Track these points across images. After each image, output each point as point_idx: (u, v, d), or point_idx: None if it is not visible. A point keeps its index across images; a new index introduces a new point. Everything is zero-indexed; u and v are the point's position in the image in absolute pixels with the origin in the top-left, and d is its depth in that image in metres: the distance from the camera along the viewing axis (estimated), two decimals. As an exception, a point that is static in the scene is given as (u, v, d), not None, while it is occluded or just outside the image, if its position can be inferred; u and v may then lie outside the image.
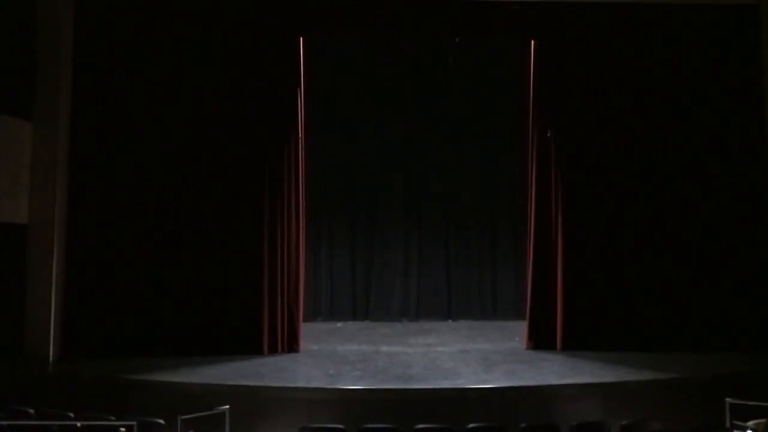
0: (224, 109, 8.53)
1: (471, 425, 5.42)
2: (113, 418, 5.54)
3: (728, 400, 6.03)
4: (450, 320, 11.09)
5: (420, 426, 5.40)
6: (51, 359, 7.97)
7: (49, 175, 8.20)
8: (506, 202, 11.32)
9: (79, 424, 5.47)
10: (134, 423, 5.33)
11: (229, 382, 7.02)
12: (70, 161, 8.39)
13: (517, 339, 9.49)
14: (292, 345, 8.46)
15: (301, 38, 8.89)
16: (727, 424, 5.85)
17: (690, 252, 8.74)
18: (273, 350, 8.29)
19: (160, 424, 5.48)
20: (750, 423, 5.83)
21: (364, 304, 11.20)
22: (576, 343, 8.42)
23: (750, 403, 6.09)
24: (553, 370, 7.50)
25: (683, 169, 8.86)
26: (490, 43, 10.58)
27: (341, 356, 8.30)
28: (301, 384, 6.99)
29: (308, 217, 10.99)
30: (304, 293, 9.21)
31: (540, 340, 8.69)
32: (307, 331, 10.12)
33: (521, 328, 10.30)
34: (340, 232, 11.30)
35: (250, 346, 8.19)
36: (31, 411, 5.76)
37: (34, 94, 8.23)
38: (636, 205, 8.80)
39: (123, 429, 5.44)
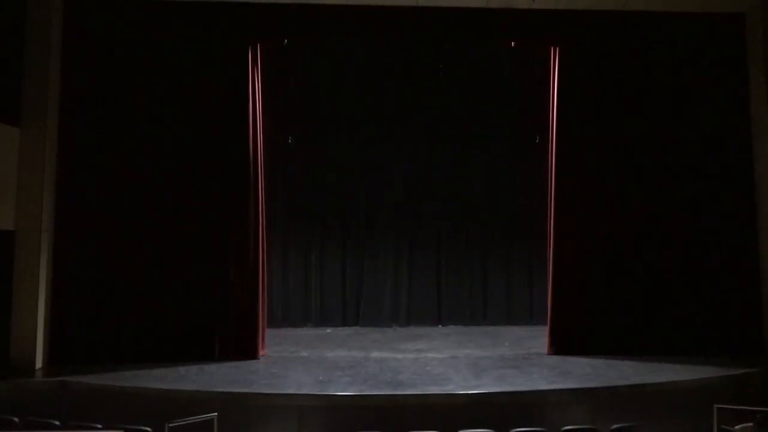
0: (184, 119, 8.55)
1: (461, 431, 5.40)
2: (100, 426, 5.47)
3: (716, 405, 6.05)
4: (440, 326, 11.08)
5: (410, 432, 5.39)
6: (37, 367, 7.88)
7: (36, 181, 8.14)
8: (496, 208, 11.34)
9: (64, 433, 5.41)
10: (121, 431, 5.27)
11: (218, 389, 6.97)
12: (57, 167, 8.34)
13: (507, 344, 9.50)
14: (248, 351, 8.37)
15: (259, 44, 8.84)
16: (715, 429, 5.86)
17: (686, 257, 8.77)
18: (225, 356, 8.23)
19: (147, 431, 5.42)
20: (737, 427, 5.85)
21: (354, 309, 11.17)
22: (599, 349, 8.40)
23: (737, 407, 6.12)
24: (543, 376, 7.50)
25: (678, 174, 8.90)
26: (486, 48, 10.58)
27: (331, 362, 8.26)
28: (291, 390, 6.94)
29: (294, 223, 11.07)
30: (267, 299, 9.11)
31: (562, 345, 8.63)
32: (296, 337, 10.13)
33: (511, 333, 10.39)
34: (330, 237, 11.26)
35: (201, 352, 8.19)
36: (16, 420, 5.68)
37: (22, 100, 8.17)
38: (636, 208, 8.84)
39: (110, 437, 5.39)
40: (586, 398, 6.87)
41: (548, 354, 8.62)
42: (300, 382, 7.23)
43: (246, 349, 8.37)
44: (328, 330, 10.77)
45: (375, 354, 8.77)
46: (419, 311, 11.19)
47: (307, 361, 8.41)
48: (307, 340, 9.88)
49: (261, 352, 8.53)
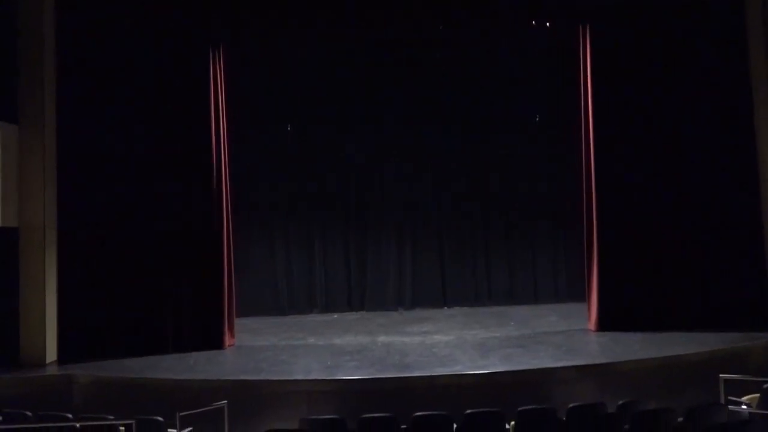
0: (157, 113, 8.61)
1: (468, 411, 5.44)
2: (112, 417, 5.53)
3: (722, 375, 6.09)
4: (445, 308, 11.13)
5: (418, 413, 5.42)
6: (48, 361, 7.94)
7: (37, 178, 8.14)
8: (497, 188, 11.35)
9: (78, 425, 5.45)
10: (132, 422, 5.33)
11: (227, 377, 7.03)
12: (58, 163, 8.34)
13: (512, 323, 9.54)
14: (212, 340, 8.37)
15: (221, 45, 8.84)
16: (722, 400, 5.90)
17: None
18: (179, 348, 8.24)
19: (158, 421, 5.47)
20: (744, 398, 5.89)
21: (359, 294, 11.22)
22: (642, 325, 8.38)
23: (744, 378, 6.16)
24: (549, 354, 7.54)
25: (703, 153, 8.80)
26: (480, 30, 10.45)
27: (338, 347, 8.32)
28: (299, 377, 7.00)
29: (296, 211, 11.06)
30: (236, 288, 9.03)
31: (608, 321, 8.60)
32: (303, 324, 10.20)
33: (516, 312, 10.44)
34: (333, 223, 11.29)
35: (161, 343, 8.24)
36: (29, 414, 5.74)
37: (20, 98, 8.15)
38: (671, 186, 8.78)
39: (122, 428, 5.44)
40: (591, 375, 6.90)
41: (594, 331, 8.62)
42: (308, 368, 7.28)
43: (209, 338, 8.35)
44: (335, 316, 10.83)
45: (382, 338, 8.82)
46: (424, 294, 11.24)
47: (314, 347, 8.46)
48: (313, 326, 9.93)
49: (228, 342, 8.49)
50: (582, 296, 11.51)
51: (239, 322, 10.54)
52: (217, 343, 8.39)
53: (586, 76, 8.87)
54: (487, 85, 11.11)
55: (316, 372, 7.12)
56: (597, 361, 7.14)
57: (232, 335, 8.70)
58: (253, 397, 6.71)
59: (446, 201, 11.38)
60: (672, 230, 8.76)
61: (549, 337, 8.46)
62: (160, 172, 8.58)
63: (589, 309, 8.93)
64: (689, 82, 8.82)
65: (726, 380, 6.06)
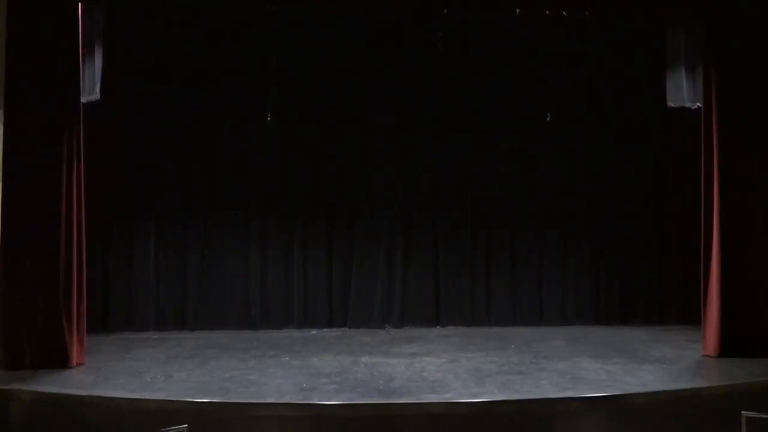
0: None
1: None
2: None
3: (744, 413, 6.11)
4: (438, 326, 11.13)
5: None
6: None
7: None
8: (501, 193, 11.38)
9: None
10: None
11: (189, 398, 6.96)
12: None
13: (513, 347, 9.55)
14: (53, 359, 8.05)
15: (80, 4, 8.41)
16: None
17: None
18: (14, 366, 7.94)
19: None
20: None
21: (341, 308, 11.19)
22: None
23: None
24: (553, 382, 7.55)
25: None
26: (489, 16, 10.46)
27: (316, 368, 8.27)
28: (270, 400, 6.95)
29: (273, 213, 11.05)
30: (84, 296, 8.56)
31: (732, 347, 8.50)
32: (277, 339, 10.16)
33: (518, 334, 10.46)
34: (314, 227, 11.26)
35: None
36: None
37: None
38: None
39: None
40: (599, 407, 6.91)
41: (716, 356, 8.55)
42: (280, 390, 7.23)
43: (51, 356, 8.06)
44: (313, 332, 10.80)
45: (365, 358, 8.79)
46: (415, 310, 11.22)
47: (288, 366, 8.41)
48: (288, 343, 9.89)
49: (76, 360, 8.21)
50: (590, 319, 11.50)
51: (204, 335, 10.47)
52: (60, 362, 8.05)
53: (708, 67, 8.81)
54: (492, 81, 11.14)
55: (290, 395, 7.06)
56: (605, 393, 7.13)
57: (83, 352, 8.37)
58: (218, 421, 6.65)
59: (443, 207, 11.39)
60: None
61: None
62: None
63: (704, 330, 8.81)
64: None
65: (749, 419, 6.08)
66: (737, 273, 8.65)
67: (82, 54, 8.61)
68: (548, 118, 10.92)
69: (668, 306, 11.34)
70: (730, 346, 8.52)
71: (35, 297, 8.14)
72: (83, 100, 8.73)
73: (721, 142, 8.76)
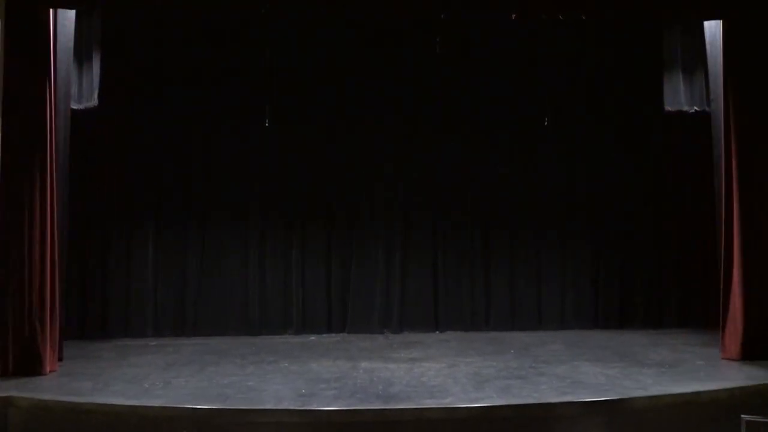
0: None
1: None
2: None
3: (744, 417, 6.17)
4: (437, 331, 11.17)
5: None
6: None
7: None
8: (501, 195, 11.43)
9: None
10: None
11: (187, 405, 7.01)
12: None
13: (512, 351, 9.60)
14: (27, 365, 8.06)
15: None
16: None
17: None
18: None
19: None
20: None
21: (340, 314, 11.23)
22: None
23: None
24: (552, 386, 7.60)
25: None
26: (487, 18, 10.51)
27: (315, 373, 8.32)
28: (269, 405, 6.99)
29: (272, 217, 11.08)
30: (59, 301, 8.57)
31: (755, 350, 8.50)
32: (275, 345, 10.20)
33: (517, 339, 10.51)
34: (313, 232, 11.30)
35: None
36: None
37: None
38: None
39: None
40: (599, 411, 6.97)
41: (738, 359, 8.56)
42: (279, 396, 7.27)
43: (25, 363, 8.06)
44: (312, 337, 10.85)
45: (364, 364, 8.84)
46: (414, 315, 11.26)
47: (287, 372, 8.46)
48: (287, 348, 9.93)
49: (50, 367, 8.19)
50: (588, 323, 11.49)
51: (203, 341, 10.50)
52: (34, 368, 8.04)
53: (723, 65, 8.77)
54: (492, 81, 11.20)
55: (289, 401, 7.10)
56: (605, 397, 7.19)
57: (56, 358, 8.37)
58: (216, 427, 6.69)
59: (443, 207, 11.43)
60: None
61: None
62: None
63: (723, 333, 8.83)
64: None
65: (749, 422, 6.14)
66: (760, 276, 8.57)
67: (79, 61, 8.67)
68: (545, 123, 11.02)
69: (667, 308, 11.42)
70: (752, 350, 8.48)
71: (8, 307, 8.13)
72: (80, 106, 8.78)
73: (739, 146, 8.60)
